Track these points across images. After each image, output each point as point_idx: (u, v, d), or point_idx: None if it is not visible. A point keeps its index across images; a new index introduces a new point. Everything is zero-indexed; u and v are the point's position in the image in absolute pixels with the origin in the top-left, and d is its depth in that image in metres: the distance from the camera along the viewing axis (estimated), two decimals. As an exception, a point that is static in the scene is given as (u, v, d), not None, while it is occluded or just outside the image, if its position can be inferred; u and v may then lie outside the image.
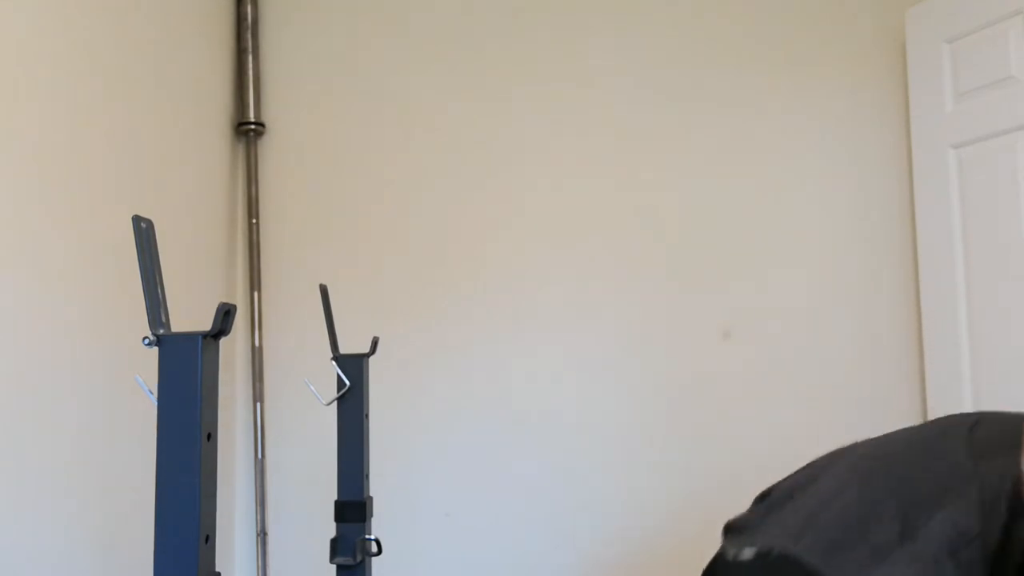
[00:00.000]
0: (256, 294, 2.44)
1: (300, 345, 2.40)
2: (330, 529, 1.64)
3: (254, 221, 2.45)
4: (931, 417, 2.20)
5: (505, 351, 2.38)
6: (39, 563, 1.53)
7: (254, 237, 2.45)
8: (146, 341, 0.94)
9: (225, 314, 0.95)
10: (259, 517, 2.37)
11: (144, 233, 0.92)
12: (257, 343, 2.42)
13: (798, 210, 2.35)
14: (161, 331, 0.94)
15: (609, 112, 2.41)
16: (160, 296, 0.94)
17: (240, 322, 2.44)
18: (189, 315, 2.08)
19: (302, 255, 2.45)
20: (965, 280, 2.11)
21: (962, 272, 2.11)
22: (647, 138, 2.39)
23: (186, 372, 0.96)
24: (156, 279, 0.94)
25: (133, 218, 0.91)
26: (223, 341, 2.36)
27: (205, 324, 0.95)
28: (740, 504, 2.43)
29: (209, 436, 0.99)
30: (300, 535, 2.36)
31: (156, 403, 0.95)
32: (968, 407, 2.09)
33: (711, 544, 2.49)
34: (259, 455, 2.38)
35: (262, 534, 2.37)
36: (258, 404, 2.40)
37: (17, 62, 1.53)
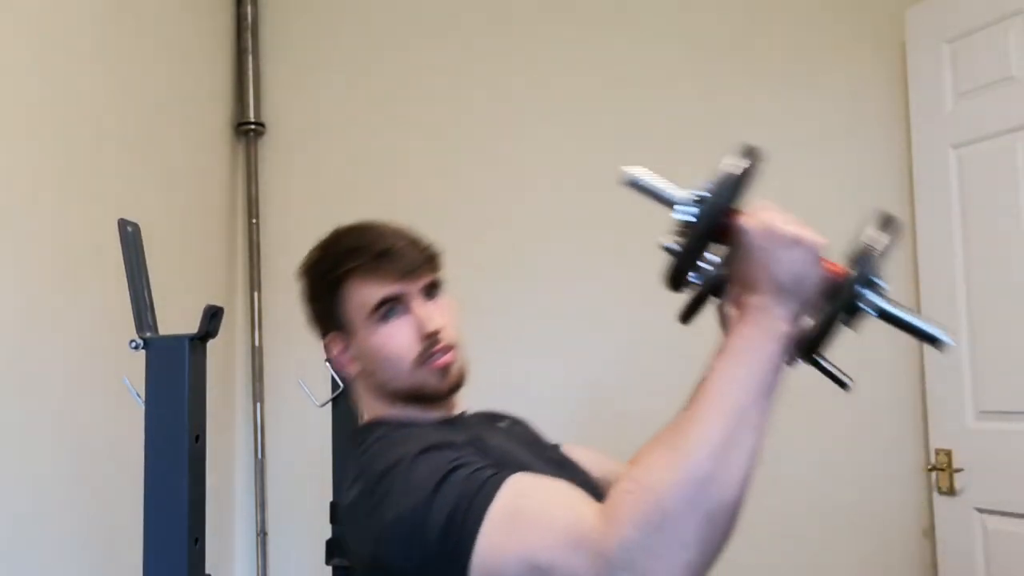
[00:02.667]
0: (256, 294, 2.44)
1: (300, 345, 2.39)
2: (330, 529, 1.64)
3: (254, 221, 2.45)
4: (931, 416, 2.19)
5: (508, 350, 2.37)
6: (37, 563, 1.53)
7: (254, 237, 2.45)
8: (133, 344, 0.94)
9: (212, 316, 0.95)
10: (259, 517, 2.37)
11: (130, 236, 0.92)
12: (257, 343, 2.42)
13: (797, 209, 2.34)
14: (148, 334, 0.95)
15: (609, 111, 2.40)
16: (147, 299, 0.94)
17: (240, 322, 2.44)
18: (188, 316, 2.09)
19: (302, 255, 2.44)
20: (965, 280, 2.09)
21: (962, 272, 2.10)
22: (646, 138, 2.38)
23: (173, 374, 0.96)
24: (143, 282, 0.94)
25: (119, 221, 0.91)
26: (223, 342, 2.37)
27: (204, 325, 0.95)
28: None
29: (198, 438, 0.99)
30: (300, 535, 2.36)
31: (143, 406, 0.95)
32: (968, 407, 2.08)
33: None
34: (259, 455, 2.39)
35: (262, 534, 2.37)
36: (258, 404, 2.40)
37: (15, 63, 1.53)
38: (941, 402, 2.16)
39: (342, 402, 1.57)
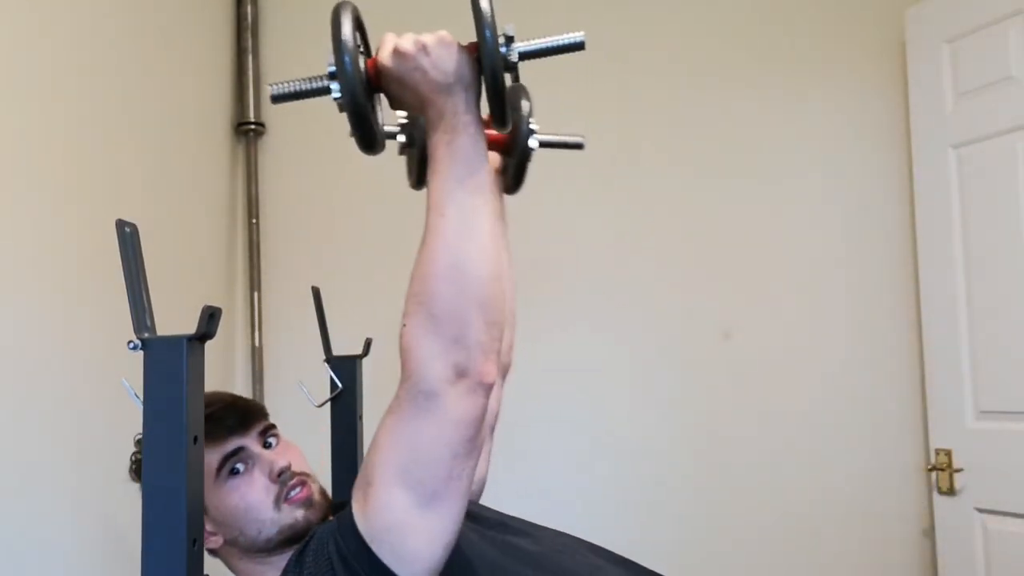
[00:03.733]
0: (256, 294, 2.44)
1: (300, 345, 2.39)
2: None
3: (254, 221, 2.45)
4: (931, 416, 2.19)
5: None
6: (37, 564, 1.53)
7: (254, 237, 2.45)
8: (131, 345, 0.94)
9: (210, 317, 0.94)
10: (259, 517, 2.37)
11: (128, 237, 0.92)
12: (257, 343, 2.42)
13: (798, 209, 2.35)
14: (146, 335, 0.94)
15: (611, 114, 2.40)
16: (144, 300, 0.94)
17: (240, 322, 2.44)
18: (189, 316, 2.09)
19: (302, 255, 2.45)
20: (965, 280, 2.10)
21: (962, 272, 2.10)
22: (646, 135, 2.38)
23: (171, 375, 0.95)
24: (140, 283, 0.93)
25: (117, 222, 0.91)
26: (223, 342, 2.37)
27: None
28: (738, 497, 2.40)
29: (196, 439, 0.99)
30: (300, 535, 2.36)
31: (141, 407, 0.95)
32: (968, 407, 2.09)
33: (718, 550, 2.46)
34: (259, 455, 2.38)
35: (262, 534, 2.37)
36: (258, 404, 2.40)
37: (16, 63, 1.53)
38: (941, 402, 2.16)
39: (341, 403, 1.57)
